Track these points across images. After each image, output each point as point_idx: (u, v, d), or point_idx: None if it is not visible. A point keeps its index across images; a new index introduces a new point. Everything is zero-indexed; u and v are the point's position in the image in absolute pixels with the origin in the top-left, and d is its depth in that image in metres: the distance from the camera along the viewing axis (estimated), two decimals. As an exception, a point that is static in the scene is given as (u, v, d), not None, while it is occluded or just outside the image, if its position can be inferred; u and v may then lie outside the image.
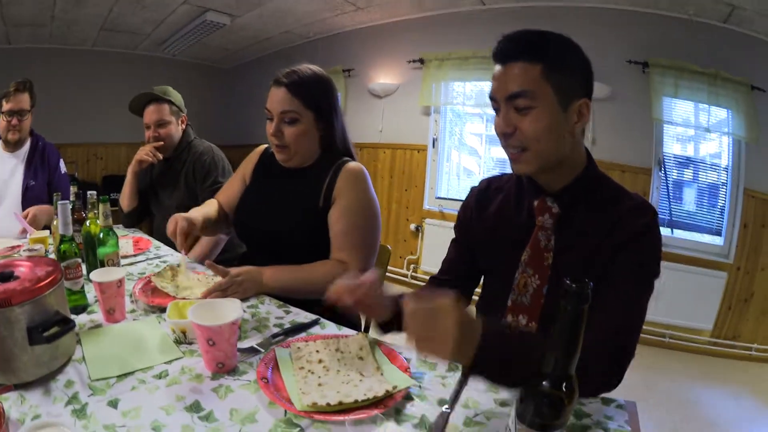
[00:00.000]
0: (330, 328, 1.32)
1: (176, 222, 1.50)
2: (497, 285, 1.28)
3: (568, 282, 0.64)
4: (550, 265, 1.16)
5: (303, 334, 1.26)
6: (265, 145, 1.81)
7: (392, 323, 1.21)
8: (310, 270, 1.53)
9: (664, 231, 3.74)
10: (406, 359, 1.11)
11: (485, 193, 1.36)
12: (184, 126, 2.43)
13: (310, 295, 1.51)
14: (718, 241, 3.73)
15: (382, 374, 1.04)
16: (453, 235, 1.46)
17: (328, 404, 0.89)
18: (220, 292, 1.41)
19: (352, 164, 1.61)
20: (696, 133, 3.79)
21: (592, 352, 0.99)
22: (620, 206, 1.12)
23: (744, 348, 3.63)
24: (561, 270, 1.15)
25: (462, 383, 1.00)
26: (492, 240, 1.29)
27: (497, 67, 1.09)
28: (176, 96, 2.41)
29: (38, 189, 2.43)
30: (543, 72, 1.02)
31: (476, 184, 1.42)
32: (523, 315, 1.20)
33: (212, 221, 1.72)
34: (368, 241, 1.58)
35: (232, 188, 1.85)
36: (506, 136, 1.10)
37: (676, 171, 3.84)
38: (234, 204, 1.80)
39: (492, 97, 1.12)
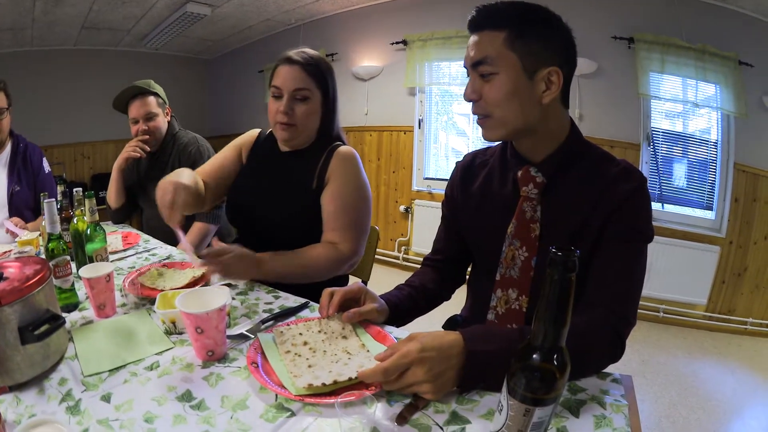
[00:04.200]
0: (316, 311, 1.31)
1: (173, 193, 1.36)
2: (485, 260, 1.28)
3: (553, 250, 0.63)
4: (537, 236, 1.15)
5: (292, 318, 1.26)
6: (259, 130, 1.81)
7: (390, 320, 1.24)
8: (304, 255, 1.53)
9: (655, 206, 3.76)
10: (396, 339, 1.11)
11: (470, 167, 1.35)
12: (168, 118, 2.42)
13: (305, 280, 1.52)
14: (709, 215, 3.75)
15: (368, 351, 1.04)
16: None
17: (324, 384, 0.90)
18: (215, 258, 1.36)
19: (344, 148, 1.62)
20: (684, 108, 3.78)
21: (594, 327, 0.99)
22: (606, 172, 1.11)
23: (739, 322, 3.67)
24: (549, 241, 1.14)
25: None
26: (478, 214, 1.29)
27: (471, 37, 1.11)
28: (159, 88, 2.40)
29: (24, 193, 2.36)
30: (507, 39, 1.03)
31: (461, 159, 1.42)
32: (513, 289, 1.19)
33: (200, 194, 1.59)
34: (359, 222, 1.59)
35: (218, 162, 1.78)
36: (472, 102, 1.12)
37: (665, 146, 3.84)
38: (220, 176, 1.75)
39: (464, 66, 1.14)
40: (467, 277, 1.45)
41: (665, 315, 3.78)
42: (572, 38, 1.08)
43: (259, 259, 1.47)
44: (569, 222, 1.12)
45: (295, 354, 1.03)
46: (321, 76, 1.59)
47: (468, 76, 1.13)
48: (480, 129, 1.16)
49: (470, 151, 1.42)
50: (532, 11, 1.05)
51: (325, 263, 1.53)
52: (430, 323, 1.37)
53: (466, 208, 1.32)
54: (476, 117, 1.14)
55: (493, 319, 1.23)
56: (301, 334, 1.12)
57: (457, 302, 1.52)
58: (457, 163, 1.41)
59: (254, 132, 1.82)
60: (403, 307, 1.28)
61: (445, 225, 1.45)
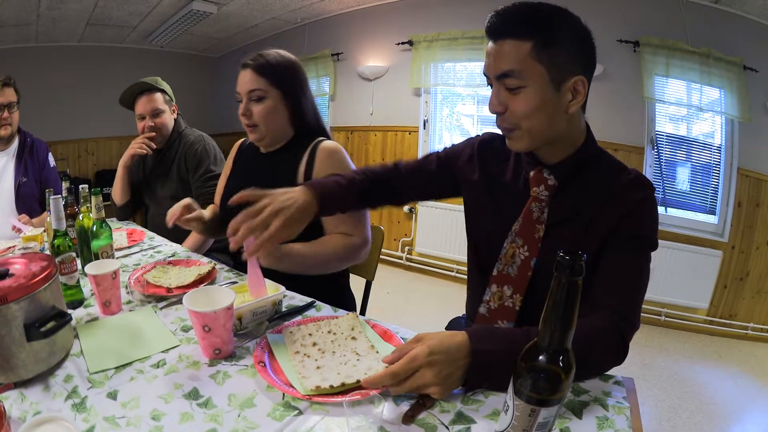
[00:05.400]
0: (325, 310, 1.32)
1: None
2: (485, 253, 1.27)
3: (561, 254, 0.64)
4: (541, 237, 1.15)
5: (299, 317, 1.26)
6: (243, 138, 1.88)
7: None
8: (323, 245, 1.53)
9: (658, 209, 3.76)
10: (402, 339, 1.11)
11: (488, 146, 1.32)
12: (175, 115, 2.42)
13: (323, 271, 1.53)
14: (712, 219, 3.75)
15: (377, 352, 1.04)
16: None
17: (331, 386, 0.90)
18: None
19: (327, 142, 1.63)
20: (689, 112, 3.78)
21: (599, 329, 1.00)
22: (617, 181, 1.11)
23: (740, 327, 3.67)
24: (552, 243, 1.14)
25: None
26: (486, 204, 1.28)
27: (489, 44, 1.06)
28: (166, 86, 2.41)
29: (30, 185, 2.41)
30: (533, 50, 0.99)
31: (481, 134, 1.38)
32: (509, 286, 1.19)
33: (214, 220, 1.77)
34: (359, 214, 1.59)
35: (220, 187, 1.91)
36: (498, 114, 1.09)
37: (669, 150, 3.85)
38: None
39: (485, 74, 1.10)
40: (467, 274, 1.44)
41: (667, 318, 3.78)
42: (592, 41, 1.05)
43: (287, 251, 1.40)
44: (575, 226, 1.12)
45: (304, 354, 1.04)
46: (273, 74, 1.61)
47: (488, 84, 1.10)
48: (506, 139, 1.13)
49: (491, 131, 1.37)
50: (555, 17, 1.01)
51: (343, 252, 1.54)
52: (432, 326, 1.37)
53: (471, 181, 1.32)
54: (504, 128, 1.11)
55: (485, 312, 1.22)
56: (310, 334, 1.12)
57: (458, 304, 1.52)
58: (477, 136, 1.38)
59: (238, 142, 1.92)
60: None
61: (435, 164, 1.40)
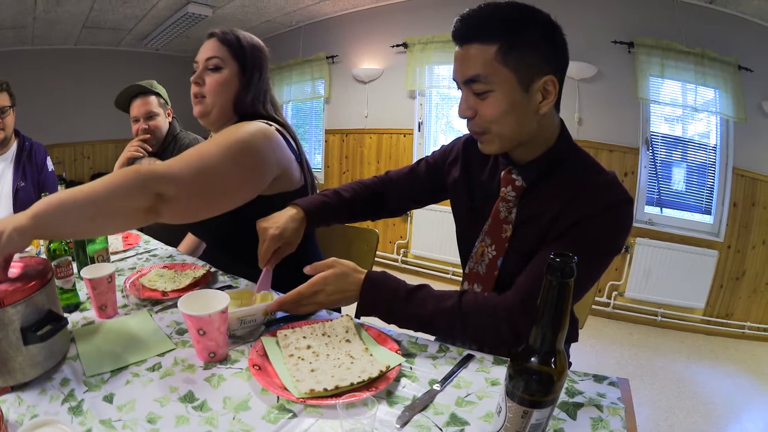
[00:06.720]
0: (320, 312, 1.31)
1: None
2: (462, 251, 1.32)
3: (552, 256, 0.64)
4: (508, 237, 1.15)
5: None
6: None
7: None
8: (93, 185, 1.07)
9: (654, 210, 3.77)
10: (396, 341, 1.11)
11: (474, 144, 1.28)
12: (170, 119, 2.43)
13: (103, 223, 1.10)
14: (708, 219, 3.77)
15: (371, 354, 1.05)
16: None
17: (325, 389, 0.90)
18: None
19: (250, 122, 1.42)
20: (684, 112, 3.80)
21: (500, 308, 1.05)
22: (588, 180, 1.07)
23: (737, 326, 3.68)
24: (518, 243, 1.14)
25: (459, 365, 1.03)
26: (464, 202, 1.30)
27: (456, 49, 1.05)
28: (162, 89, 2.41)
29: (28, 190, 2.41)
30: (499, 53, 0.97)
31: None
32: (478, 284, 1.21)
33: None
34: (205, 166, 1.23)
35: None
36: (468, 119, 1.08)
37: (664, 150, 3.86)
38: None
39: (454, 79, 1.09)
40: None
41: (663, 319, 3.79)
42: (563, 37, 1.02)
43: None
44: (541, 225, 1.10)
45: (299, 357, 1.04)
46: (238, 47, 1.49)
47: (459, 89, 1.09)
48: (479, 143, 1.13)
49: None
50: (521, 17, 0.99)
51: (116, 179, 1.08)
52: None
53: (454, 179, 1.33)
54: (474, 132, 1.11)
55: None
56: (305, 337, 1.12)
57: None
58: (464, 135, 1.37)
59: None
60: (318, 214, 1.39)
61: (423, 167, 1.47)
